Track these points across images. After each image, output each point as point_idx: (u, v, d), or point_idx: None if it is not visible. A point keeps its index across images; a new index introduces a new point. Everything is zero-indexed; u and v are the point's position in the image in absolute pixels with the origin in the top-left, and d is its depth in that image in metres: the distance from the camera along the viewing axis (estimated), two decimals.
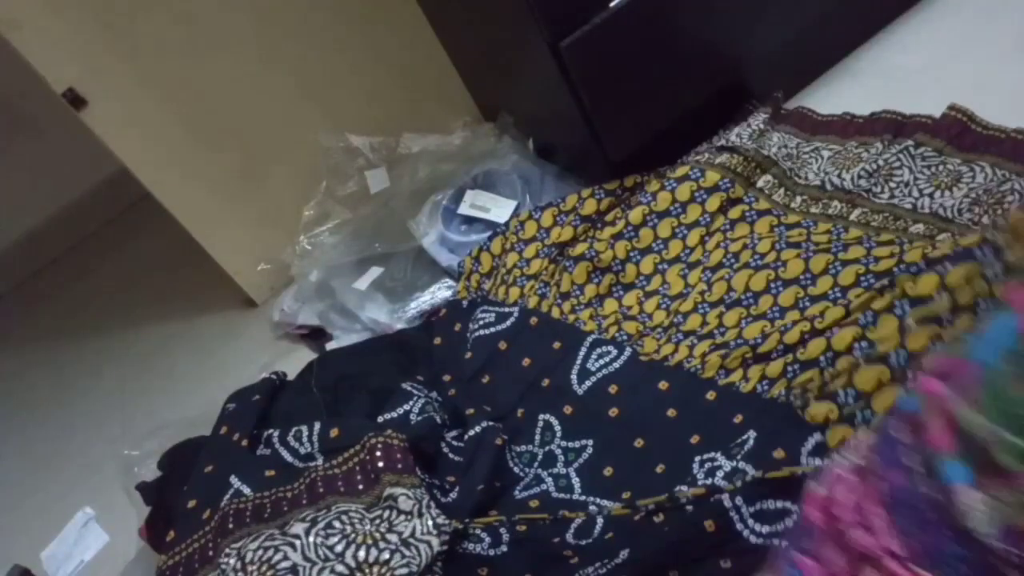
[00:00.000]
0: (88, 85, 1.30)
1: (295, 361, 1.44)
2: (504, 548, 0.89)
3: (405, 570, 0.85)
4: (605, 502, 0.90)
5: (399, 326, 1.32)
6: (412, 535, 0.88)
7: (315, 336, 1.46)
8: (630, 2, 1.11)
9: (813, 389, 0.85)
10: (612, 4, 1.11)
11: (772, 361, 0.91)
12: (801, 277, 0.99)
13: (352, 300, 1.38)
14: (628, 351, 1.03)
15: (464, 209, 1.39)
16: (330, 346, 1.39)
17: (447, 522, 0.89)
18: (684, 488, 0.83)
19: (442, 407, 1.11)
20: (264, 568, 0.89)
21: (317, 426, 1.07)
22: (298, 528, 0.92)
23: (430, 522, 0.89)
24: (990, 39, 1.24)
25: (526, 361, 1.09)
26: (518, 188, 1.38)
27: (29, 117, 2.09)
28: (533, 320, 1.14)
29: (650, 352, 1.02)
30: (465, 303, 1.26)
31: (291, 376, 1.31)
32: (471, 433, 1.02)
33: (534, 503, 0.94)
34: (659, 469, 0.90)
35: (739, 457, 0.83)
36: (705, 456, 0.87)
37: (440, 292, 1.35)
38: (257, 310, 1.63)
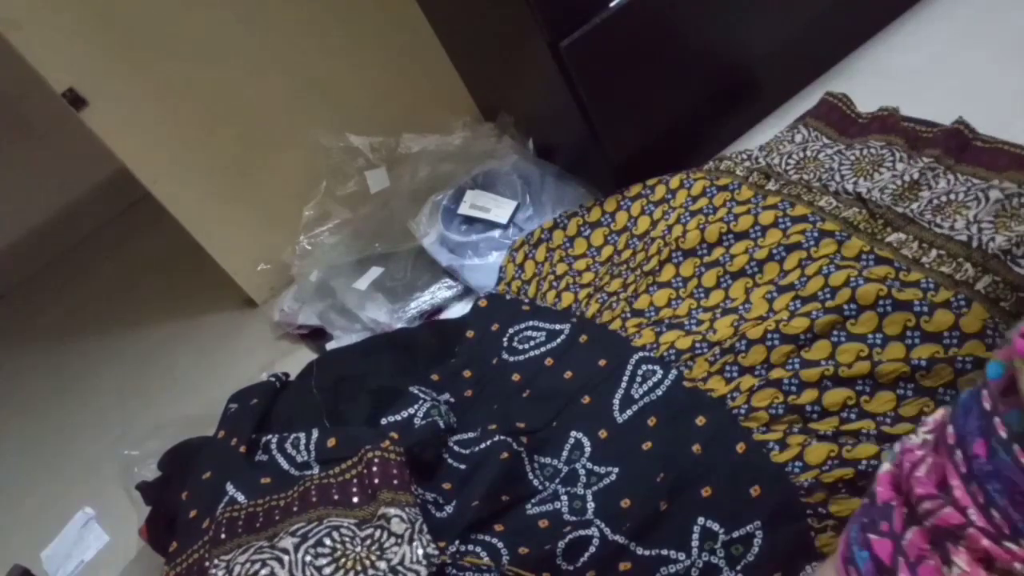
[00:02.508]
0: (88, 85, 1.30)
1: (295, 361, 1.44)
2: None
3: None
4: (608, 531, 0.89)
5: (399, 326, 1.32)
6: (401, 563, 0.87)
7: (315, 336, 1.46)
8: (630, 2, 1.11)
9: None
10: (612, 4, 1.11)
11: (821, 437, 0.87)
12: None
13: (352, 300, 1.38)
14: (673, 374, 0.98)
15: (464, 209, 1.39)
16: (330, 346, 1.39)
17: (435, 553, 0.88)
18: (675, 555, 0.84)
19: (452, 409, 1.10)
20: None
21: (315, 434, 1.06)
22: (287, 543, 0.91)
23: (420, 551, 0.87)
24: (990, 39, 1.24)
25: (568, 375, 1.06)
26: (518, 188, 1.38)
27: (29, 117, 2.09)
28: (583, 338, 1.11)
29: (696, 378, 0.98)
30: (508, 296, 1.24)
31: (292, 376, 1.31)
32: (480, 447, 1.00)
33: (544, 523, 0.92)
34: (663, 507, 0.88)
35: (738, 565, 0.83)
36: (707, 523, 0.85)
37: (440, 292, 1.35)
38: (257, 310, 1.63)
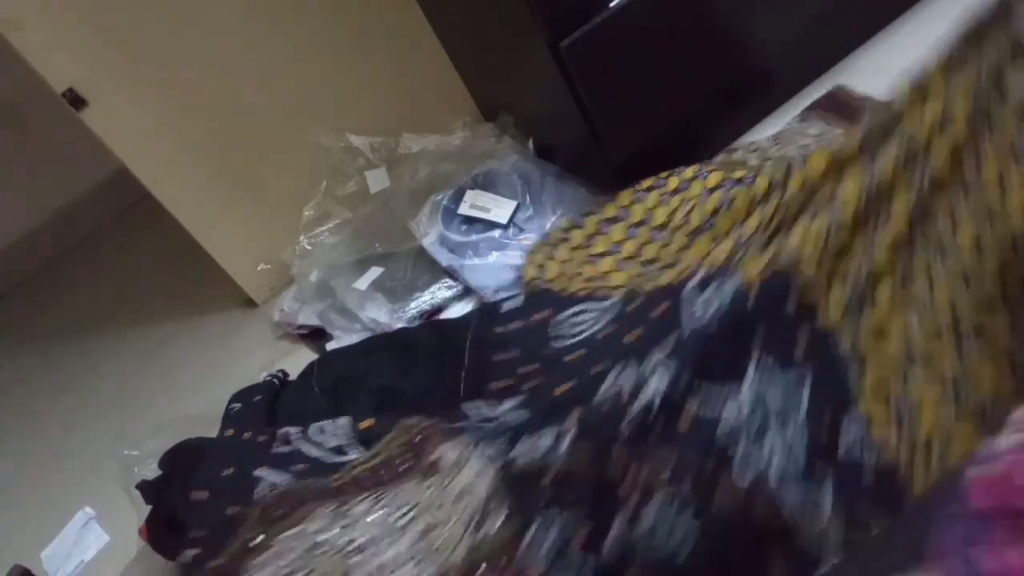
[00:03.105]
0: (88, 85, 1.30)
1: (295, 361, 1.44)
2: (566, 444, 0.86)
3: (462, 528, 0.84)
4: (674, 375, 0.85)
5: (399, 326, 1.32)
6: (464, 487, 0.87)
7: (315, 336, 1.46)
8: (630, 2, 1.11)
9: None
10: (612, 4, 1.11)
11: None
12: None
13: (352, 300, 1.38)
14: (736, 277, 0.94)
15: (464, 209, 1.39)
16: (330, 346, 1.39)
17: (495, 454, 0.87)
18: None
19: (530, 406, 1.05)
20: (331, 552, 0.88)
21: (342, 420, 1.05)
22: (358, 508, 0.91)
23: (477, 465, 0.86)
24: None
25: (633, 335, 1.02)
26: (518, 188, 1.38)
27: (29, 117, 2.09)
28: (633, 305, 1.06)
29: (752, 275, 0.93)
30: (545, 294, 1.21)
31: (291, 375, 1.31)
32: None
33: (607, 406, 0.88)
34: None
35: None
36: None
37: (440, 292, 1.35)
38: (257, 310, 1.63)
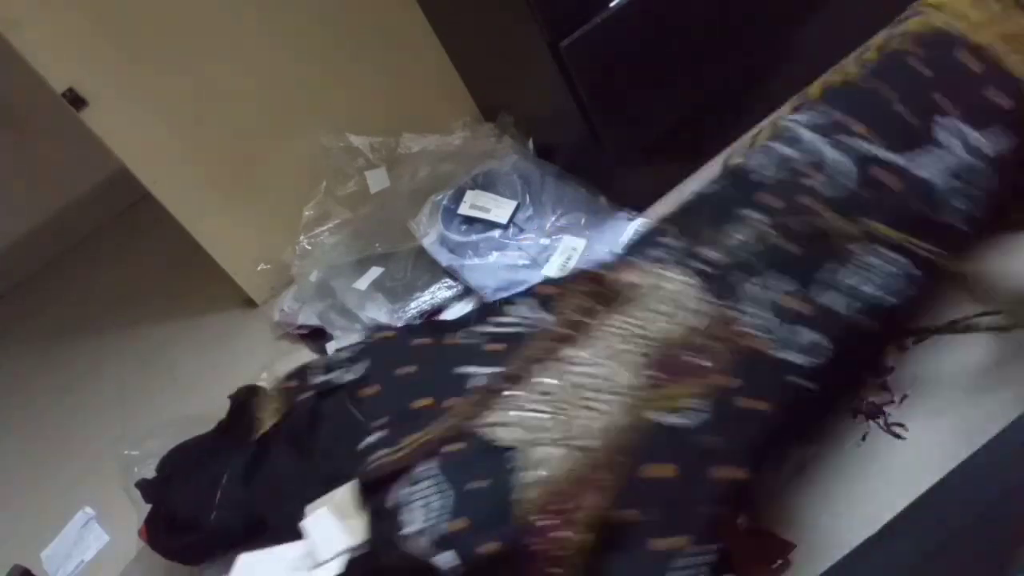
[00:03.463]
0: (88, 85, 1.30)
1: (295, 361, 1.44)
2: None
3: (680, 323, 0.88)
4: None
5: (399, 326, 1.32)
6: (669, 294, 0.91)
7: (315, 336, 1.46)
8: (630, 2, 1.11)
9: None
10: (612, 4, 1.11)
11: None
12: None
13: (352, 300, 1.38)
14: None
15: (464, 209, 1.39)
16: (330, 346, 1.39)
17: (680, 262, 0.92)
18: None
19: None
20: (572, 391, 0.89)
21: (517, 297, 1.06)
22: (574, 351, 0.92)
23: (671, 274, 0.91)
24: None
25: None
26: (518, 188, 1.38)
27: (29, 117, 2.09)
28: None
29: None
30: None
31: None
32: None
33: None
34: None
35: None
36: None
37: (440, 292, 1.35)
38: (257, 310, 1.63)
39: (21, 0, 1.21)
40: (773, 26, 1.27)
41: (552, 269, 1.29)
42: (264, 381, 1.34)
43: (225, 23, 1.38)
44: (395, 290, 1.39)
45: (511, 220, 1.37)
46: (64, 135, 1.75)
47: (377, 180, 1.52)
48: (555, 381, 0.90)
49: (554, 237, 1.33)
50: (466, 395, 0.97)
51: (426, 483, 0.87)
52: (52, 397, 1.78)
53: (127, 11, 1.30)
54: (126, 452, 1.33)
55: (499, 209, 1.37)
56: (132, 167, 1.40)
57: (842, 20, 1.33)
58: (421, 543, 0.82)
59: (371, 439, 0.97)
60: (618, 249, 1.25)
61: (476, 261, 1.34)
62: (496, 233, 1.36)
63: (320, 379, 1.11)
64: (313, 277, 1.46)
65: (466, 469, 0.87)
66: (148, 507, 1.14)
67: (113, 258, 2.16)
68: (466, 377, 1.00)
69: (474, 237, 1.36)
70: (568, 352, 0.93)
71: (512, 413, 0.90)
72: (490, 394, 0.94)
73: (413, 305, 1.35)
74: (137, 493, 1.20)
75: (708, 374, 0.85)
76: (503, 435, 0.87)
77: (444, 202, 1.39)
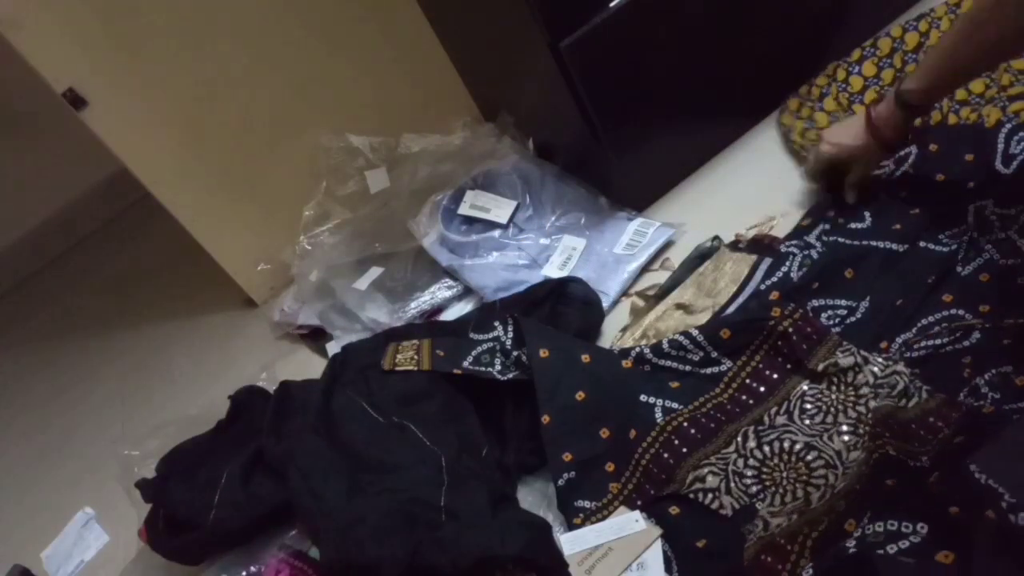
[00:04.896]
0: (88, 85, 1.30)
1: (295, 361, 1.44)
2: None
3: (891, 400, 0.86)
4: None
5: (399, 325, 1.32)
6: (875, 377, 0.90)
7: (315, 336, 1.46)
8: (630, 2, 1.11)
9: None
10: (612, 4, 1.11)
11: None
12: None
13: (352, 300, 1.38)
14: None
15: (464, 209, 1.39)
16: (330, 346, 1.39)
17: (888, 358, 0.91)
18: None
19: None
20: (784, 456, 0.89)
21: (694, 331, 1.02)
22: (779, 420, 0.93)
23: (877, 365, 0.90)
24: None
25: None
26: (518, 188, 1.38)
27: (29, 117, 2.09)
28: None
29: None
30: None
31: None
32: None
33: (984, 276, 0.95)
34: None
35: None
36: None
37: (440, 292, 1.35)
38: (257, 310, 1.63)
39: (21, 0, 1.21)
40: (773, 26, 1.26)
41: (552, 269, 1.29)
42: (264, 381, 1.34)
43: (225, 23, 1.38)
44: (395, 290, 1.39)
45: (511, 220, 1.37)
46: (64, 135, 1.75)
47: (377, 180, 1.52)
48: (762, 447, 0.92)
49: (554, 237, 1.33)
50: (651, 427, 0.98)
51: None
52: (52, 397, 1.78)
53: (127, 11, 1.30)
54: (126, 452, 1.33)
55: (499, 209, 1.37)
56: (132, 167, 1.40)
57: (840, 25, 1.33)
58: None
59: (561, 482, 0.95)
60: (617, 249, 1.27)
61: (476, 261, 1.34)
62: (496, 233, 1.36)
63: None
64: (313, 277, 1.46)
65: (688, 532, 0.88)
66: (148, 507, 1.14)
67: (113, 258, 2.17)
68: (651, 408, 1.00)
69: (474, 237, 1.36)
70: (764, 414, 0.94)
71: (718, 475, 0.91)
72: (685, 441, 0.95)
73: (413, 305, 1.35)
74: (137, 493, 1.20)
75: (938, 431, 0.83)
76: (724, 502, 0.89)
77: (444, 202, 1.39)
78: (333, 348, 1.37)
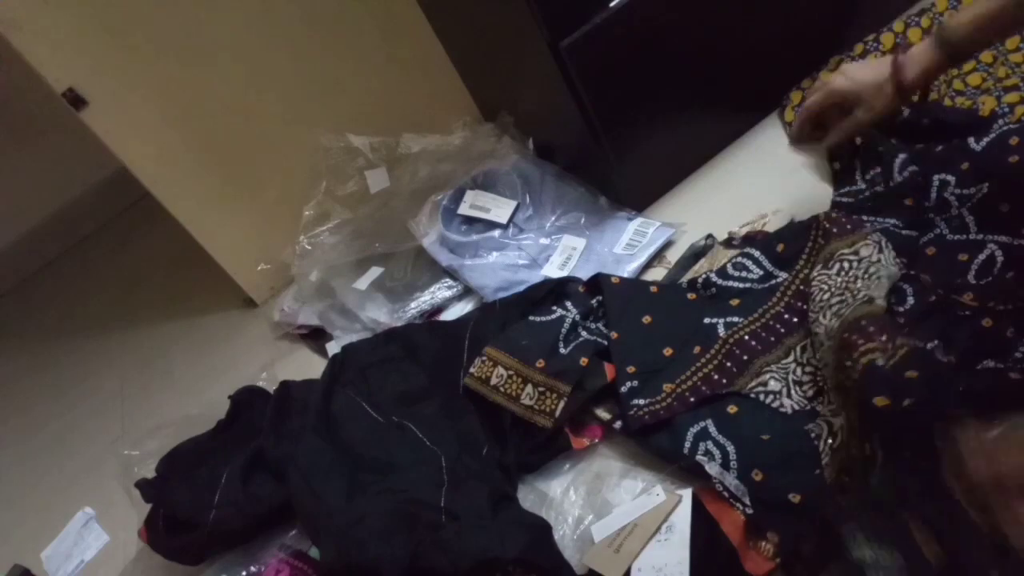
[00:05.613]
0: (88, 85, 1.30)
1: (295, 361, 1.44)
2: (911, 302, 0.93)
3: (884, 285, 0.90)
4: (1003, 238, 0.92)
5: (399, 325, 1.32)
6: (886, 268, 0.93)
7: (315, 336, 1.46)
8: (630, 2, 1.11)
9: None
10: (612, 4, 1.11)
11: None
12: None
13: (352, 300, 1.38)
14: None
15: (464, 209, 1.39)
16: (330, 346, 1.39)
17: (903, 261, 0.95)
18: None
19: None
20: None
21: (754, 251, 1.08)
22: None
23: (892, 255, 0.94)
24: None
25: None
26: (518, 188, 1.38)
27: (29, 117, 2.09)
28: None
29: None
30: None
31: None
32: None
33: (931, 250, 0.98)
34: None
35: None
36: None
37: (440, 292, 1.35)
38: (257, 310, 1.64)
39: (21, 0, 1.21)
40: (773, 26, 1.26)
41: (552, 269, 1.29)
42: (264, 381, 1.34)
43: (225, 23, 1.38)
44: (395, 290, 1.39)
45: (511, 220, 1.37)
46: (64, 135, 1.75)
47: (377, 180, 1.52)
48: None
49: (554, 237, 1.33)
50: (714, 342, 1.01)
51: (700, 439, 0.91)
52: (52, 397, 1.78)
53: (127, 11, 1.30)
54: (126, 452, 1.33)
55: (499, 209, 1.37)
56: (132, 167, 1.40)
57: (842, 23, 1.33)
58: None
59: (623, 389, 0.99)
60: (617, 249, 1.27)
61: (476, 261, 1.34)
62: (496, 233, 1.36)
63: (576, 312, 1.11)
64: (313, 277, 1.46)
65: (748, 427, 0.91)
66: (148, 507, 1.14)
67: (113, 258, 2.17)
68: (714, 327, 1.03)
69: (474, 237, 1.36)
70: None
71: (779, 382, 0.95)
72: (746, 350, 0.99)
73: (413, 305, 1.35)
74: (137, 493, 1.20)
75: None
76: (784, 403, 0.93)
77: (444, 202, 1.39)
78: (333, 348, 1.37)
